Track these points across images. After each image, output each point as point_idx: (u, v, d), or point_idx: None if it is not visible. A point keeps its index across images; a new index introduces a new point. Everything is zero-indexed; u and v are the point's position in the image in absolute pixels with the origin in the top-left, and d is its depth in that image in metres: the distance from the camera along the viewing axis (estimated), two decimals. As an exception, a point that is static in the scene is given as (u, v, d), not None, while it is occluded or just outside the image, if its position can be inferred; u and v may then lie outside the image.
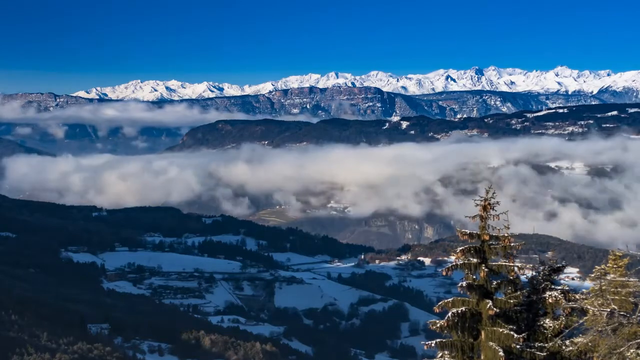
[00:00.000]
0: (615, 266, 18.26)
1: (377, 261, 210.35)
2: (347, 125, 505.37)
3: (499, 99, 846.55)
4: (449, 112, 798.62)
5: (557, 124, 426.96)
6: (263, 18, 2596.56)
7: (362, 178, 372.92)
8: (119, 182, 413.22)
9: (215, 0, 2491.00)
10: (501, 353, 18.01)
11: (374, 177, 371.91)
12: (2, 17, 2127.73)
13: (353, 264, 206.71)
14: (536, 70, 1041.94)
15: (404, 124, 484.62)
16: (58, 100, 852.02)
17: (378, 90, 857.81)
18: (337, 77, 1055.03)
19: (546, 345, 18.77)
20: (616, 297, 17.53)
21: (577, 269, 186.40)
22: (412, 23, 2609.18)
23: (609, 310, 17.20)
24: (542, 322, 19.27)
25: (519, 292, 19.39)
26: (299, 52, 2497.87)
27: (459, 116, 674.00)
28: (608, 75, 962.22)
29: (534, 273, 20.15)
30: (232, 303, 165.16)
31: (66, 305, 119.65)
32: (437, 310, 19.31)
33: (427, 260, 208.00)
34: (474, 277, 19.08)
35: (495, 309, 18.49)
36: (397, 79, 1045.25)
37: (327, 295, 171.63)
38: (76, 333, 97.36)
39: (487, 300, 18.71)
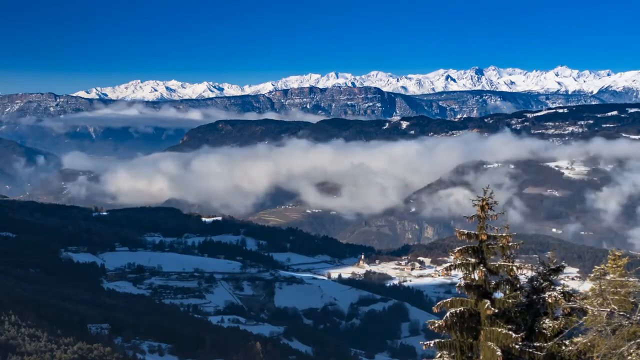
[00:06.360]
0: (614, 266, 18.23)
1: (377, 261, 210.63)
2: (347, 125, 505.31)
3: (499, 99, 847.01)
4: (449, 112, 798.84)
5: (557, 124, 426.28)
6: (263, 18, 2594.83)
7: (362, 178, 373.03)
8: (120, 182, 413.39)
9: (215, 1, 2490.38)
10: (499, 353, 17.98)
11: (373, 177, 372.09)
12: (2, 17, 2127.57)
13: (353, 264, 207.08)
14: (536, 70, 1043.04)
15: (404, 124, 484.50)
16: (58, 100, 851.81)
17: (378, 90, 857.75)
18: (337, 77, 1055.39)
19: (546, 345, 18.74)
20: (616, 297, 17.49)
21: (577, 269, 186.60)
22: (412, 23, 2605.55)
23: (608, 310, 17.16)
24: (541, 322, 19.23)
25: (517, 292, 19.36)
26: (299, 52, 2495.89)
27: (459, 116, 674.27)
28: (608, 75, 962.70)
29: (534, 273, 20.11)
30: (232, 303, 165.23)
31: (66, 305, 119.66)
32: (436, 310, 19.30)
33: (427, 260, 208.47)
34: (473, 277, 19.05)
35: (493, 308, 18.47)
36: (397, 79, 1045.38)
37: (327, 295, 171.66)
38: (76, 333, 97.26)
39: (486, 300, 18.69)
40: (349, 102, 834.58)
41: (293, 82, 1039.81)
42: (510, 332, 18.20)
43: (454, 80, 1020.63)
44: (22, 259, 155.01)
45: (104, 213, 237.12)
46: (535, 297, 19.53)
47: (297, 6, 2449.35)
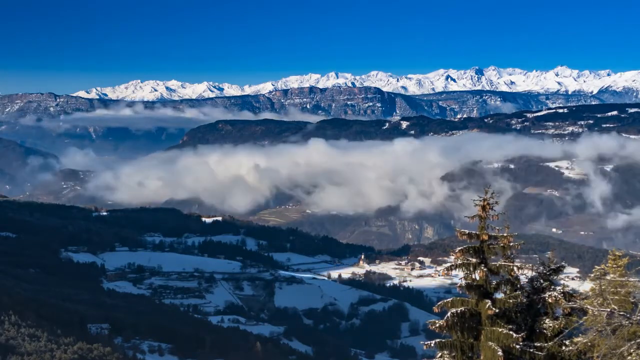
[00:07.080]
0: (614, 266, 18.25)
1: (377, 261, 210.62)
2: (347, 125, 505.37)
3: (499, 99, 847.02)
4: (449, 112, 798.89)
5: (557, 124, 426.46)
6: (263, 18, 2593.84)
7: (362, 178, 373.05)
8: (120, 182, 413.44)
9: (215, 1, 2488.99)
10: (500, 353, 18.00)
11: (373, 177, 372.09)
12: (1, 17, 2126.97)
13: (353, 264, 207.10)
14: (536, 70, 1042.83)
15: (404, 124, 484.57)
16: (58, 100, 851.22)
17: (378, 90, 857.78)
18: (337, 77, 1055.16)
19: (546, 345, 18.77)
20: (616, 297, 17.52)
21: (577, 269, 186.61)
22: (411, 23, 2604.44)
23: (608, 310, 17.18)
24: (542, 322, 19.26)
25: (518, 292, 19.39)
26: (299, 52, 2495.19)
27: (459, 116, 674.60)
28: (608, 75, 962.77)
29: (534, 273, 20.14)
30: (232, 303, 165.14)
31: (66, 305, 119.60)
32: (437, 310, 19.32)
33: (427, 260, 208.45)
34: (474, 277, 19.07)
35: (494, 308, 18.50)
36: (397, 79, 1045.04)
37: (327, 295, 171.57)
38: (76, 333, 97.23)
39: (487, 300, 18.71)
40: (349, 102, 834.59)
41: (293, 82, 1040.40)
42: (510, 332, 18.23)
43: (454, 80, 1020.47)
44: (22, 259, 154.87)
45: (104, 213, 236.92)
46: (535, 297, 19.56)
47: (297, 6, 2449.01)
